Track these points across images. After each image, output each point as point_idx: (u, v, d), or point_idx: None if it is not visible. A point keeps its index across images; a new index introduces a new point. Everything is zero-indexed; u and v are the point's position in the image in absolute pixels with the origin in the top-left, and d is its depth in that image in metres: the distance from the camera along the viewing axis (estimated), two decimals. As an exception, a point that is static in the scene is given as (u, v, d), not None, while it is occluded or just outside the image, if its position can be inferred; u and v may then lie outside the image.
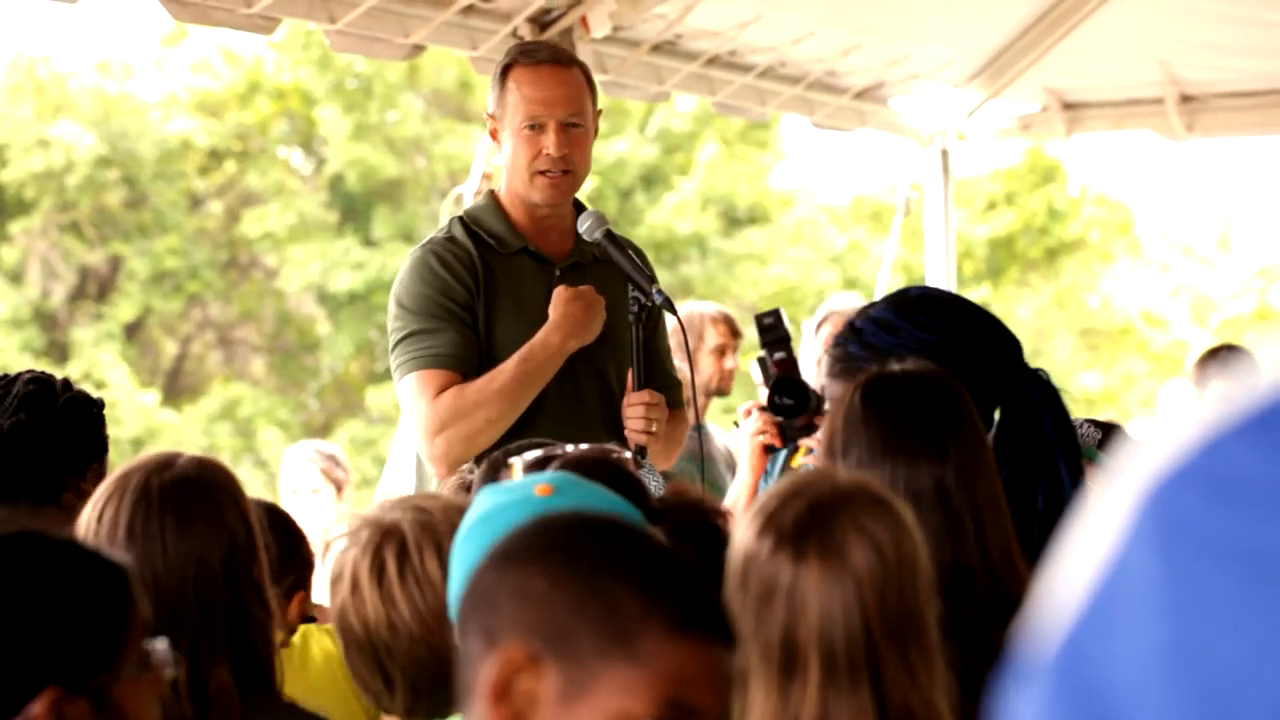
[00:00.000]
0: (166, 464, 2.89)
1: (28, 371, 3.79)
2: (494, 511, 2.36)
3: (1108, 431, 4.53)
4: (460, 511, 2.49)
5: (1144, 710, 0.87)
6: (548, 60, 4.37)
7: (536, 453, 3.18)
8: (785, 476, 2.46)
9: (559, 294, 4.31)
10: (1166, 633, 0.87)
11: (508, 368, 4.24)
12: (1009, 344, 3.35)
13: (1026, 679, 0.93)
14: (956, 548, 2.87)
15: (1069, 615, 0.91)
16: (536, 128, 4.31)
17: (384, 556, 2.44)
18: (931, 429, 2.90)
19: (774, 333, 4.71)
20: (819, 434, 4.21)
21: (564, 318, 4.28)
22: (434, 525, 2.48)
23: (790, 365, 4.63)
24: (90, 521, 2.86)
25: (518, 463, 3.20)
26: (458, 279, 4.32)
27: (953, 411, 2.93)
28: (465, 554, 2.33)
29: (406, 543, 2.44)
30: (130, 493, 2.85)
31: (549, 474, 2.48)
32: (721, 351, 6.75)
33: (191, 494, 2.85)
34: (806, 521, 2.33)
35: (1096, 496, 0.94)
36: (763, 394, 4.70)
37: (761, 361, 4.74)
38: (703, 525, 2.88)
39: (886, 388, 2.94)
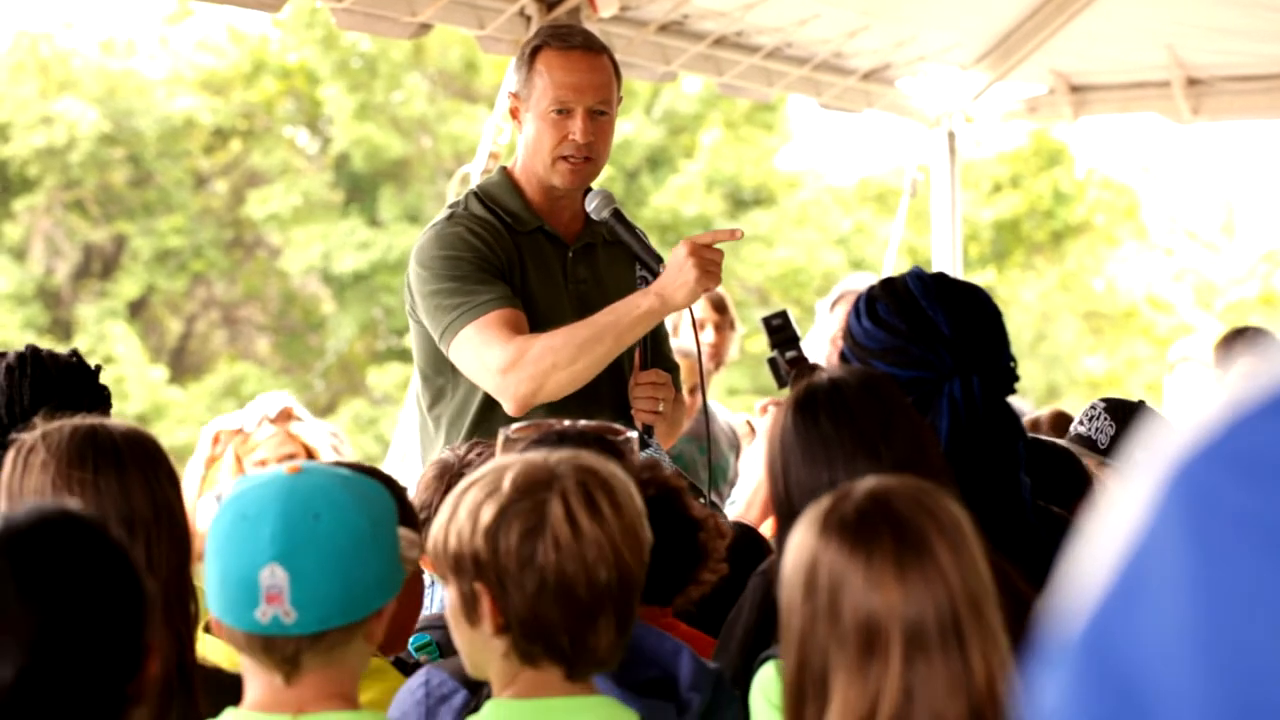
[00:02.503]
0: (94, 426, 2.92)
1: (29, 346, 3.80)
2: (245, 490, 2.48)
3: (1127, 412, 4.50)
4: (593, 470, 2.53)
5: (1171, 686, 0.87)
6: (580, 46, 4.35)
7: (522, 423, 3.19)
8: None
9: (680, 248, 4.16)
10: (1193, 609, 0.87)
11: (593, 319, 4.17)
12: (954, 342, 3.32)
13: (1053, 658, 0.93)
14: None
15: (1095, 593, 0.91)
16: (564, 112, 4.29)
17: (598, 500, 2.44)
18: (860, 431, 2.92)
19: (783, 333, 4.72)
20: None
21: (672, 276, 4.16)
22: (594, 469, 2.50)
23: (803, 364, 4.63)
24: (13, 478, 2.88)
25: (504, 432, 3.21)
26: (491, 249, 4.29)
27: (880, 411, 2.94)
28: (216, 531, 2.49)
29: (613, 484, 2.46)
30: (57, 448, 2.88)
31: (304, 461, 2.58)
32: (701, 325, 6.76)
33: (121, 454, 2.88)
34: (869, 511, 2.33)
35: (1124, 476, 0.94)
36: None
37: (773, 362, 4.75)
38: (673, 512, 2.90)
39: (813, 399, 2.96)
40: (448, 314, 4.22)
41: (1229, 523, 0.87)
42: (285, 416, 5.43)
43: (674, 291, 4.14)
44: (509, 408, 4.16)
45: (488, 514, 2.47)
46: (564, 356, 4.14)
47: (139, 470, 2.89)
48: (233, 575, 2.45)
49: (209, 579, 2.49)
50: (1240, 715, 0.85)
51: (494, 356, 4.15)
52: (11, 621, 2.13)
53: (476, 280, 4.22)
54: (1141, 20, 8.22)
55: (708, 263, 4.13)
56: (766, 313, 4.92)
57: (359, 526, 2.47)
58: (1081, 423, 4.64)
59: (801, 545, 2.35)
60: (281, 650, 2.47)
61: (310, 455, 5.32)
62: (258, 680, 2.51)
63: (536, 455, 2.52)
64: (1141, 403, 4.65)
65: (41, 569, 2.17)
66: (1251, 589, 0.86)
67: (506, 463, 2.52)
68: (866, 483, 2.39)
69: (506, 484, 2.47)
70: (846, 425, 2.92)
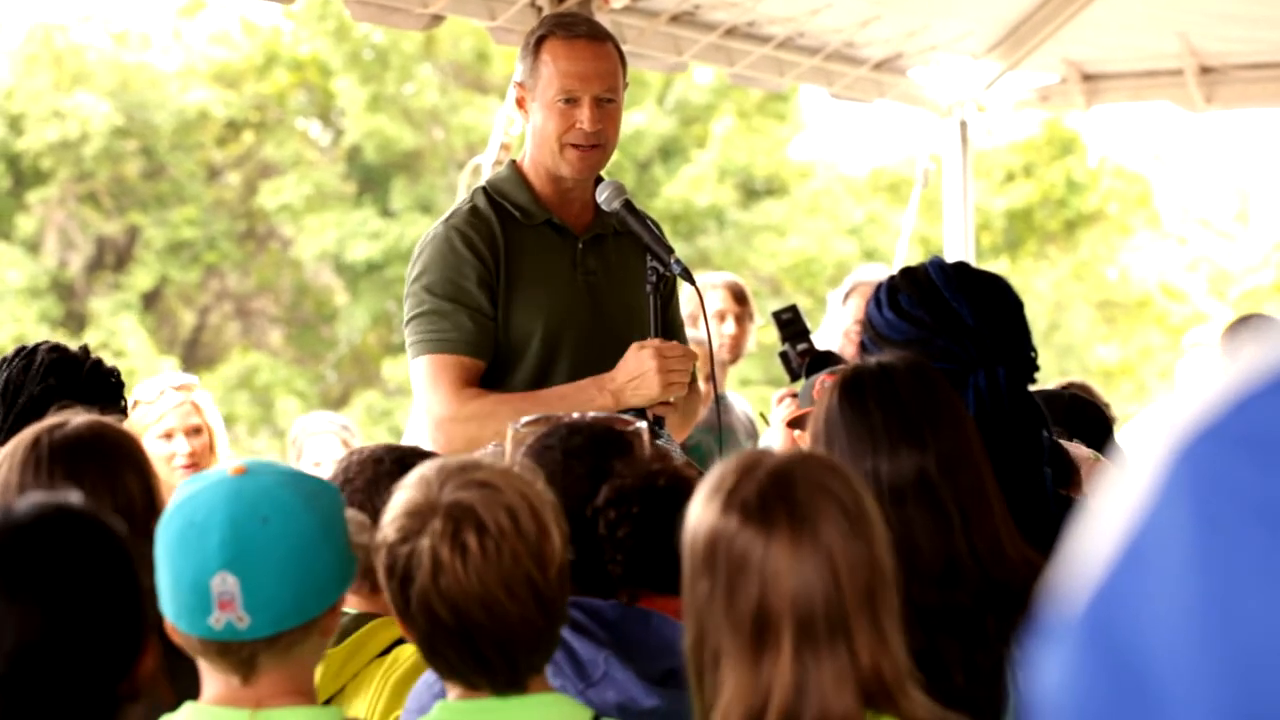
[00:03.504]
0: (59, 424, 2.92)
1: (45, 342, 3.81)
2: (192, 494, 2.49)
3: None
4: (513, 472, 2.53)
5: (1175, 664, 0.87)
6: (585, 35, 4.37)
7: (533, 416, 3.20)
8: (732, 454, 2.46)
9: (633, 349, 4.19)
10: (1198, 587, 0.88)
11: (541, 396, 4.21)
12: (976, 334, 3.31)
13: (1057, 635, 0.94)
14: (944, 538, 2.88)
15: (1100, 571, 0.92)
16: (571, 101, 4.31)
17: (466, 540, 2.43)
18: (908, 420, 2.91)
19: (793, 326, 4.73)
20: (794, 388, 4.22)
21: (633, 382, 4.18)
22: (502, 496, 2.49)
23: (816, 354, 4.64)
24: None
25: (513, 426, 3.22)
26: (478, 256, 4.32)
27: (929, 400, 2.94)
28: (165, 536, 2.50)
29: (483, 520, 2.44)
30: (21, 451, 2.89)
31: (248, 459, 2.57)
32: (721, 317, 6.76)
33: (81, 453, 2.88)
34: (770, 492, 2.31)
35: (1129, 455, 0.94)
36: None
37: (784, 355, 4.75)
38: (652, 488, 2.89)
39: (861, 383, 2.96)
40: (413, 334, 4.33)
41: (1234, 501, 0.88)
42: (186, 388, 5.39)
43: (630, 398, 4.17)
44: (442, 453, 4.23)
45: (378, 556, 2.52)
46: (496, 425, 4.18)
47: (98, 466, 2.89)
48: (184, 582, 2.46)
49: (161, 584, 2.49)
50: (1244, 692, 0.85)
51: (435, 404, 4.25)
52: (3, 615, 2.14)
53: (448, 310, 4.29)
54: (1153, 8, 8.21)
55: (672, 374, 4.16)
56: (778, 305, 4.92)
57: (308, 526, 2.48)
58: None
59: (704, 518, 2.34)
60: (237, 654, 2.49)
61: (207, 431, 5.30)
62: (215, 679, 2.52)
63: (430, 478, 2.51)
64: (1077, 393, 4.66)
65: (38, 562, 2.18)
66: (1256, 567, 0.86)
67: (403, 488, 2.54)
68: (773, 459, 2.37)
69: (389, 520, 2.50)
70: (895, 411, 2.92)
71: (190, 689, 2.58)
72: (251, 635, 2.46)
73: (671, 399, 4.29)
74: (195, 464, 5.14)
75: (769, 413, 4.79)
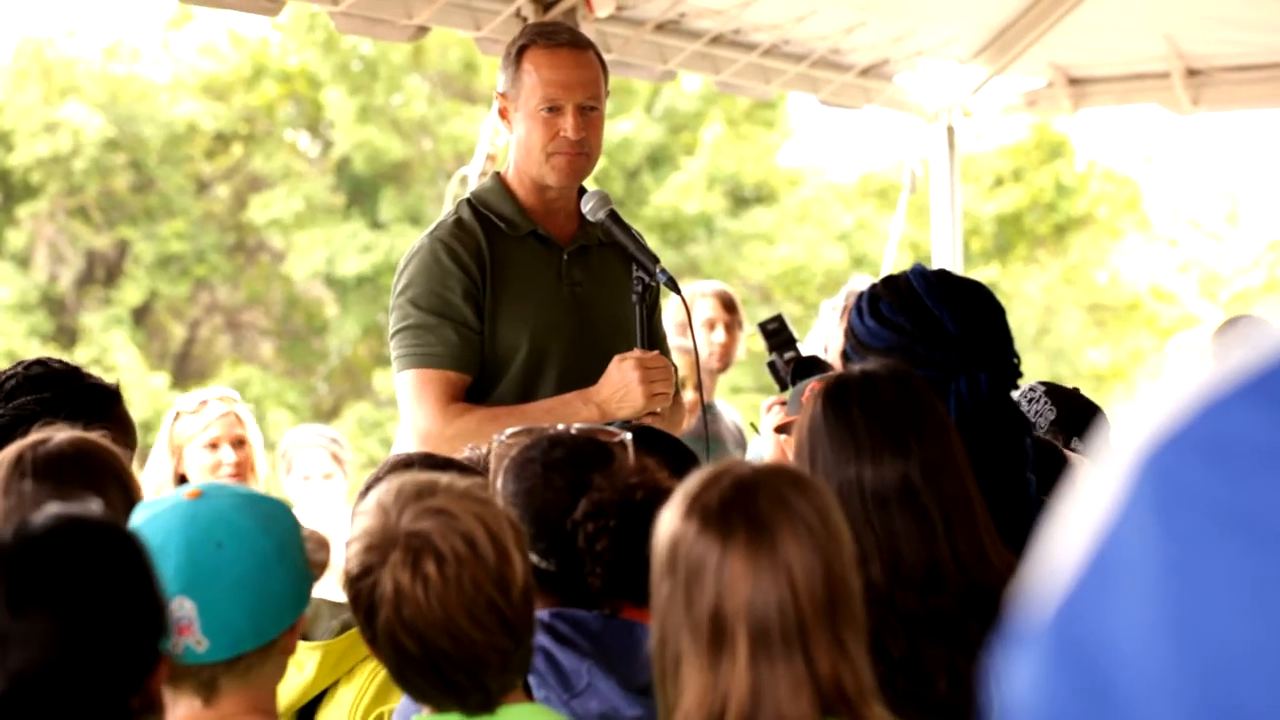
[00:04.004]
0: (43, 440, 2.93)
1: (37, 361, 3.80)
2: (148, 519, 2.50)
3: (1067, 396, 4.47)
4: (470, 496, 2.52)
5: (1141, 672, 0.87)
6: (567, 43, 4.37)
7: (517, 427, 3.19)
8: (709, 462, 2.46)
9: (615, 362, 4.20)
10: (1164, 595, 0.87)
11: (527, 410, 4.20)
12: (958, 340, 3.32)
13: (1024, 643, 0.93)
14: (928, 543, 2.89)
15: (1067, 578, 0.91)
16: (554, 110, 4.31)
17: (426, 570, 2.43)
18: (892, 426, 2.92)
19: (780, 336, 4.74)
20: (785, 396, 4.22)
21: (616, 393, 4.18)
22: (459, 523, 2.48)
23: (803, 361, 4.65)
24: None
25: (497, 437, 3.22)
26: (463, 268, 4.32)
27: (912, 407, 2.95)
28: None
29: (440, 549, 2.44)
30: (4, 468, 2.89)
31: (202, 483, 2.62)
32: (711, 325, 6.76)
33: (66, 467, 2.89)
34: (731, 500, 2.32)
35: (1095, 462, 0.94)
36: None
37: (772, 365, 4.76)
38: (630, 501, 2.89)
39: (845, 391, 2.97)
40: (399, 348, 4.33)
41: (1199, 509, 0.87)
42: (229, 399, 5.45)
43: (615, 410, 4.18)
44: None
45: (344, 588, 2.54)
46: (482, 442, 4.17)
47: (82, 481, 2.88)
48: None
49: None
50: (1210, 701, 0.85)
51: (421, 420, 4.26)
52: (21, 627, 2.14)
53: (434, 324, 4.30)
54: (1140, 11, 8.22)
55: (655, 384, 4.16)
56: (768, 313, 4.93)
57: (263, 549, 2.50)
58: (1019, 404, 4.65)
59: (669, 521, 2.35)
60: (197, 676, 2.51)
61: (246, 443, 5.36)
62: (178, 702, 2.53)
63: (388, 505, 2.50)
64: (1078, 390, 4.66)
65: (55, 575, 2.18)
66: (1221, 575, 0.86)
67: (362, 514, 2.53)
68: (741, 469, 2.38)
69: (352, 553, 2.50)
70: (879, 418, 2.93)
71: None
72: (211, 658, 2.49)
73: (658, 409, 4.29)
74: (240, 474, 5.22)
75: (759, 421, 4.79)
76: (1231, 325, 6.49)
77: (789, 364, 4.68)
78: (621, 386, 4.18)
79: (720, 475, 2.36)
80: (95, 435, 3.05)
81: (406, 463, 3.46)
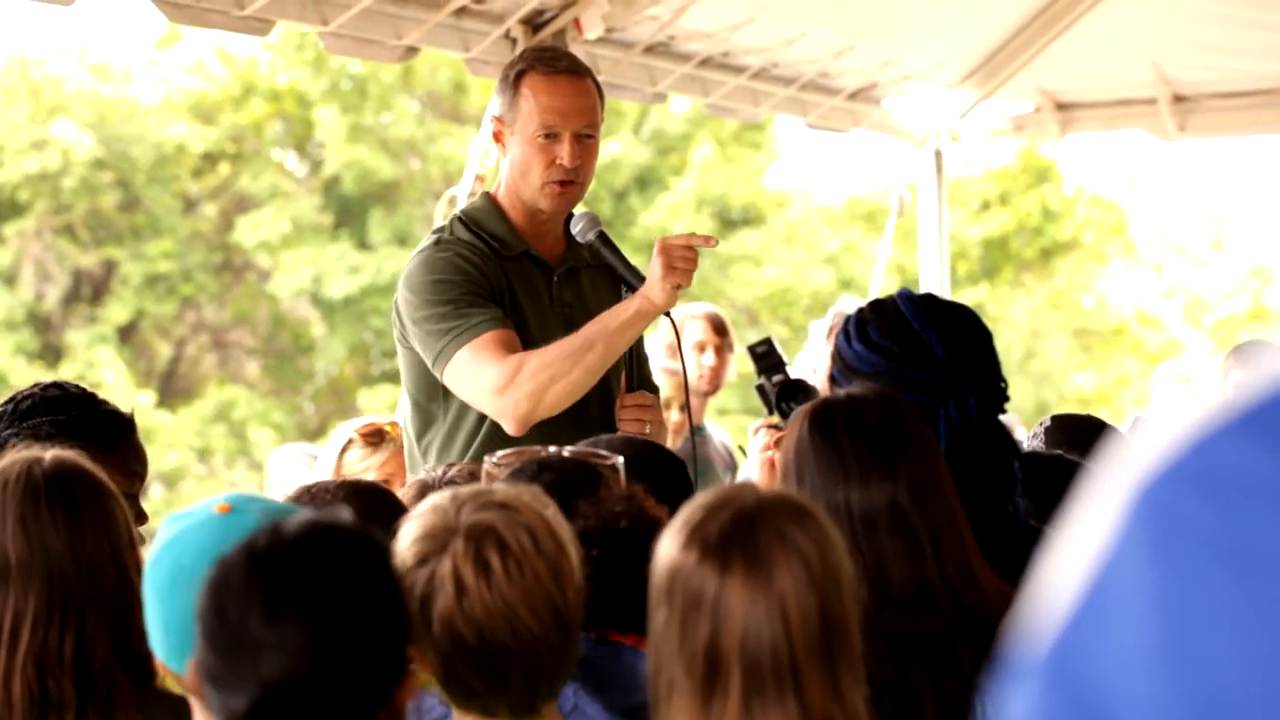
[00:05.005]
0: (38, 460, 2.92)
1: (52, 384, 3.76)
2: (178, 535, 2.49)
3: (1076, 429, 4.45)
4: (528, 492, 2.53)
5: (1135, 706, 0.87)
6: (566, 70, 4.35)
7: (506, 451, 3.19)
8: (709, 489, 2.45)
9: (660, 244, 4.17)
10: (1158, 629, 0.87)
11: (582, 329, 4.18)
12: (946, 365, 3.32)
13: (1020, 675, 0.93)
14: (916, 565, 2.88)
15: (1061, 613, 0.92)
16: (551, 136, 4.29)
17: (489, 559, 2.42)
18: (879, 450, 2.92)
19: (768, 359, 4.73)
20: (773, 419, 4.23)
21: (650, 276, 4.14)
22: (520, 516, 2.49)
23: (792, 384, 4.65)
24: None
25: (488, 460, 3.21)
26: (481, 272, 4.29)
27: (899, 430, 2.94)
28: (154, 578, 2.49)
29: (505, 539, 2.44)
30: (14, 484, 2.87)
31: (228, 494, 2.57)
32: (702, 348, 6.77)
33: (75, 486, 2.88)
34: (731, 533, 2.31)
35: (1088, 494, 0.94)
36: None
37: (760, 389, 4.76)
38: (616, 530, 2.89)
39: (831, 414, 2.96)
40: (440, 339, 4.21)
41: (1193, 542, 0.88)
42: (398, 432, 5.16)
43: (648, 288, 4.16)
44: (509, 427, 4.16)
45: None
46: (559, 369, 4.14)
47: (59, 510, 2.87)
48: (174, 624, 2.46)
49: (150, 625, 2.50)
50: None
51: (489, 377, 4.15)
52: (276, 635, 2.12)
53: (468, 304, 4.22)
54: (1127, 38, 8.25)
55: (675, 259, 4.14)
56: (756, 335, 4.93)
57: None
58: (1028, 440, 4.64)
59: (669, 549, 2.34)
60: None
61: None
62: (208, 718, 2.52)
63: (444, 504, 2.50)
64: (1090, 416, 4.65)
65: (311, 582, 2.17)
66: (1215, 608, 0.86)
67: (417, 515, 2.52)
68: (745, 499, 2.37)
69: (406, 545, 2.48)
70: (865, 441, 2.92)
71: None
72: None
73: (647, 430, 4.30)
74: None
75: (747, 444, 4.79)
76: (1238, 352, 6.50)
77: (777, 386, 4.68)
78: (651, 269, 4.16)
79: (723, 505, 2.34)
80: (74, 453, 3.02)
81: (429, 484, 3.46)
